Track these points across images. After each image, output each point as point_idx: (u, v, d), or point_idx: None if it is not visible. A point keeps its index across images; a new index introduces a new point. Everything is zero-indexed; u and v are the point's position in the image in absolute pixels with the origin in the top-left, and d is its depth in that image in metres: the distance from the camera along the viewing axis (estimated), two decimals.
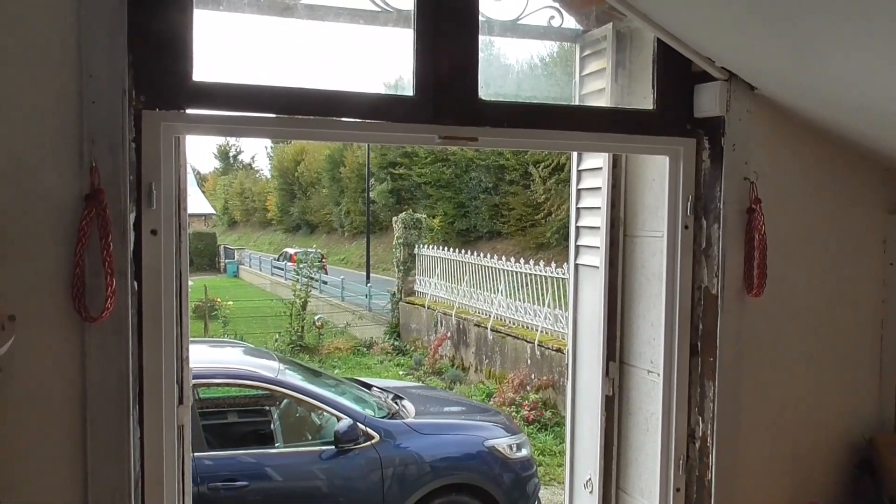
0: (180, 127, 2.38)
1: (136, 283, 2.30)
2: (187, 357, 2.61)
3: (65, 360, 2.19)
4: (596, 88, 3.17)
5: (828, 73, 2.52)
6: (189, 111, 2.37)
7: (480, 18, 2.70)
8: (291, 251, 27.59)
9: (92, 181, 2.15)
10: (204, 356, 6.65)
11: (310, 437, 6.06)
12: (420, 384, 10.83)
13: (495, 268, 13.57)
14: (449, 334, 14.01)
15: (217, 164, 59.05)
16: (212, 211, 49.62)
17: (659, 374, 2.97)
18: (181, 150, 2.52)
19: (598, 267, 3.23)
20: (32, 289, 2.15)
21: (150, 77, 2.30)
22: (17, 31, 2.11)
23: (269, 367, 6.30)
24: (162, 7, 2.31)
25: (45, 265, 2.15)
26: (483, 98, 2.64)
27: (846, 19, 2.10)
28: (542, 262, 12.93)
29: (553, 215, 20.97)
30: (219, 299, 19.06)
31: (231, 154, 57.81)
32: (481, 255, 14.83)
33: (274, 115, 2.45)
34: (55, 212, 2.15)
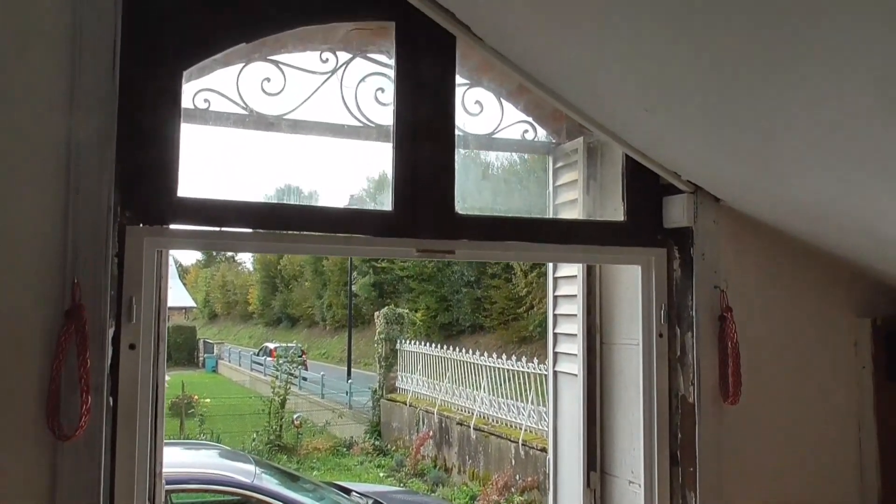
0: (163, 241, 2.42)
1: (111, 399, 2.28)
2: (160, 472, 2.56)
3: (34, 477, 2.13)
4: (569, 199, 3.28)
5: (788, 188, 2.65)
6: (172, 226, 2.42)
7: (457, 133, 2.82)
8: (271, 346, 27.30)
9: (73, 297, 2.16)
10: (178, 459, 6.48)
11: None
12: (401, 488, 10.56)
13: (478, 364, 13.49)
14: (431, 433, 13.76)
15: (199, 256, 59.07)
16: (192, 304, 49.22)
17: (640, 485, 2.94)
18: (163, 262, 2.55)
19: (576, 375, 3.25)
20: (5, 405, 2.12)
21: (135, 193, 2.35)
22: (8, 148, 2.15)
23: (244, 471, 6.15)
24: (151, 124, 2.38)
25: (20, 381, 2.13)
26: (459, 212, 2.72)
27: (802, 140, 2.23)
28: (524, 358, 12.89)
29: (535, 308, 21.05)
30: (196, 396, 18.71)
31: None
32: (464, 349, 14.76)
33: (254, 231, 2.51)
34: (34, 327, 2.14)
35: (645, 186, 3.02)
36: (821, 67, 1.79)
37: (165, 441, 2.69)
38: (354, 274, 29.68)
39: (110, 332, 2.27)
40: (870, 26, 1.54)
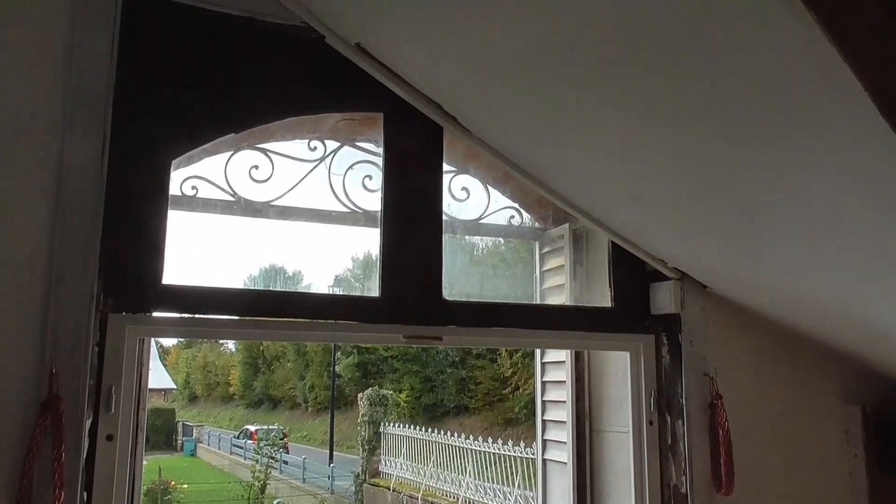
0: (146, 329, 2.37)
1: (85, 494, 2.19)
2: None
3: None
4: (555, 284, 3.28)
5: (773, 276, 2.67)
6: (156, 314, 2.38)
7: (444, 219, 2.83)
8: (252, 428, 26.68)
9: (50, 388, 2.08)
10: None
11: None
12: None
13: (463, 447, 13.21)
14: None
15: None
16: (172, 385, 48.17)
17: None
18: (144, 350, 2.50)
19: (566, 463, 3.17)
20: None
21: (119, 281, 2.30)
22: None
23: None
24: (138, 212, 2.35)
25: None
26: (447, 298, 2.71)
27: (788, 230, 2.26)
28: (510, 441, 12.63)
29: (521, 389, 20.80)
30: (173, 481, 18.11)
31: None
32: (448, 432, 14.48)
33: (239, 318, 2.48)
34: (7, 419, 2.06)
35: (631, 272, 3.03)
36: (807, 158, 1.83)
37: None
38: (338, 354, 29.33)
39: (87, 423, 2.19)
40: (855, 122, 1.59)
